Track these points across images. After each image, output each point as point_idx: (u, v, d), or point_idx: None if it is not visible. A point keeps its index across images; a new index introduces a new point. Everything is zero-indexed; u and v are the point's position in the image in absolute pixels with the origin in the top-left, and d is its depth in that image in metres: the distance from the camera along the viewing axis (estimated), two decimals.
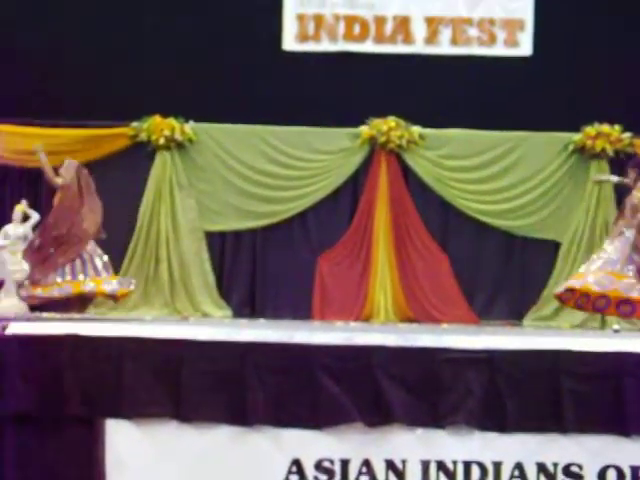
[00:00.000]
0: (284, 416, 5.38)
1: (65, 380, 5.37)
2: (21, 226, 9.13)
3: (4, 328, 5.56)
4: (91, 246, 8.49)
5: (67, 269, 8.34)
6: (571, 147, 9.57)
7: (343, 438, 5.39)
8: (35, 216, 9.19)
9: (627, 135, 9.52)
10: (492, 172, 9.64)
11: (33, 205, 9.28)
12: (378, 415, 5.36)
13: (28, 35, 9.71)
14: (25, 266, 9.06)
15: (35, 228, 9.18)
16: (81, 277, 8.29)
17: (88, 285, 8.27)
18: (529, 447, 5.33)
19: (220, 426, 5.38)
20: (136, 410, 5.37)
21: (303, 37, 9.76)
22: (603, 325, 9.03)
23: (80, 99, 9.56)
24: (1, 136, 9.46)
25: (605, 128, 9.51)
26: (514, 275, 9.73)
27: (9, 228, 9.11)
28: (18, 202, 9.21)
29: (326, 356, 5.38)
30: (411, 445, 5.41)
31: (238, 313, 9.47)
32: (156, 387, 5.37)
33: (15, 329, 5.57)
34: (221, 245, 9.72)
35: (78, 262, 8.35)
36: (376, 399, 5.34)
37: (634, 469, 5.29)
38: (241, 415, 5.35)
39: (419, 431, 5.41)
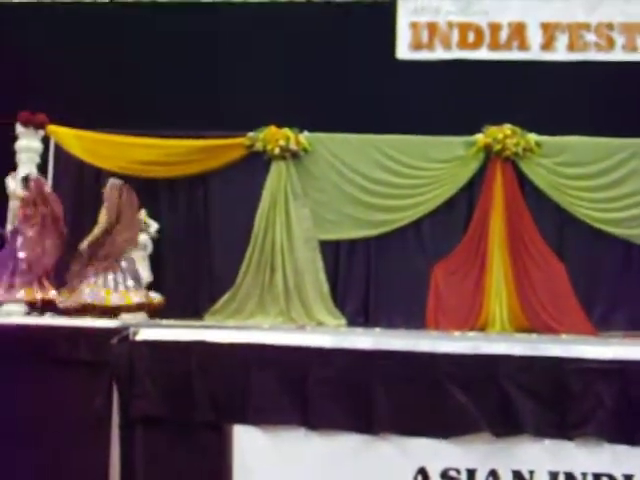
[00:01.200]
0: (410, 424, 5.37)
1: (194, 386, 5.47)
2: (141, 235, 9.33)
3: (135, 334, 5.70)
4: (128, 264, 8.65)
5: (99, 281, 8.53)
6: None
7: (470, 447, 5.35)
8: (154, 225, 9.38)
9: None
10: (611, 180, 9.42)
11: (152, 215, 9.48)
12: (506, 425, 5.31)
13: (145, 50, 9.91)
14: (144, 274, 9.27)
15: (154, 237, 9.39)
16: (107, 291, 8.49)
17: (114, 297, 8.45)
18: None
19: (346, 434, 5.40)
20: (263, 417, 5.43)
21: (417, 45, 9.74)
22: None
23: (196, 111, 9.69)
24: (122, 147, 9.64)
25: None
26: (633, 285, 9.49)
27: None
28: None
29: (452, 365, 5.35)
30: (539, 456, 5.34)
31: (352, 322, 9.43)
32: (283, 394, 5.42)
33: (145, 335, 5.70)
34: (335, 254, 9.71)
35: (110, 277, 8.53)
36: (503, 409, 5.30)
37: None
38: (367, 423, 5.36)
39: (547, 442, 5.34)
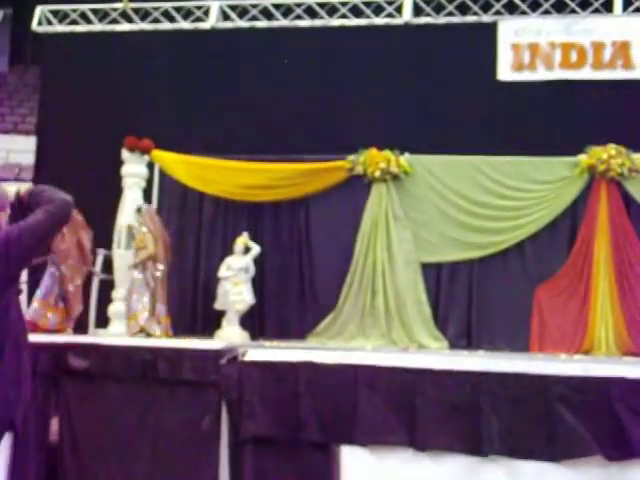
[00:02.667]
0: (519, 447, 5.31)
1: (302, 406, 5.50)
2: (243, 258, 9.45)
3: (243, 355, 5.76)
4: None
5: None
6: None
7: (581, 471, 5.27)
8: (256, 248, 9.48)
9: None
10: None
11: (254, 238, 9.60)
12: (619, 449, 5.21)
13: (249, 75, 10.08)
14: (246, 296, 9.38)
15: (256, 260, 9.50)
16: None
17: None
18: None
19: (454, 455, 5.36)
20: (371, 437, 5.43)
21: (518, 66, 9.67)
22: None
23: (299, 135, 9.80)
24: (226, 171, 9.79)
25: None
26: None
27: (231, 260, 9.44)
28: (240, 235, 9.55)
29: (563, 387, 5.28)
30: None
31: (454, 344, 9.37)
32: (391, 415, 5.42)
33: (253, 356, 5.75)
34: (437, 276, 9.67)
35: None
36: (616, 433, 5.20)
37: None
38: (476, 445, 5.32)
39: None
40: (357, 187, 9.75)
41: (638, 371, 5.33)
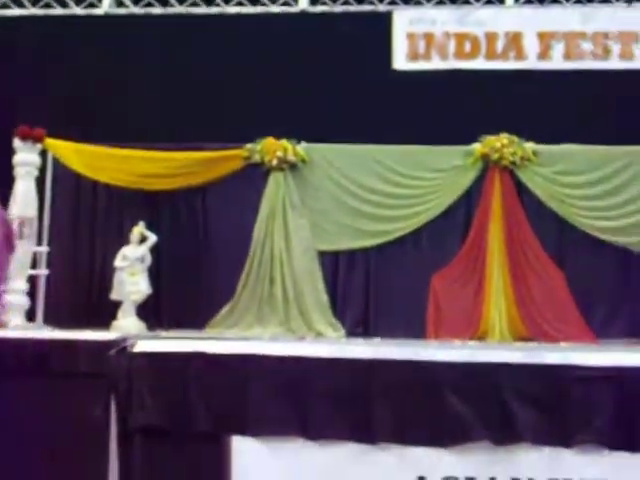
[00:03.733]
0: (409, 434, 5.36)
1: (192, 397, 5.47)
2: (139, 248, 9.35)
3: (132, 346, 5.70)
4: None
5: None
6: None
7: (469, 456, 5.35)
8: (153, 238, 9.39)
9: None
10: (609, 188, 9.42)
11: (151, 227, 9.49)
12: (505, 433, 5.31)
13: (144, 63, 9.95)
14: (142, 286, 9.29)
15: (152, 249, 9.40)
16: None
17: None
18: None
19: (345, 443, 5.39)
20: (262, 427, 5.42)
21: (413, 56, 9.75)
22: None
23: (195, 123, 9.72)
24: (120, 160, 9.65)
25: None
26: (632, 292, 9.49)
27: (127, 250, 9.33)
28: (136, 224, 9.44)
29: (452, 373, 5.35)
30: (538, 464, 5.34)
31: (352, 332, 9.42)
32: (282, 404, 5.42)
33: (143, 347, 5.69)
34: (334, 264, 9.71)
35: None
36: (503, 417, 5.29)
37: None
38: (366, 433, 5.36)
39: (547, 449, 5.33)
40: (254, 176, 9.72)
41: (524, 356, 5.43)
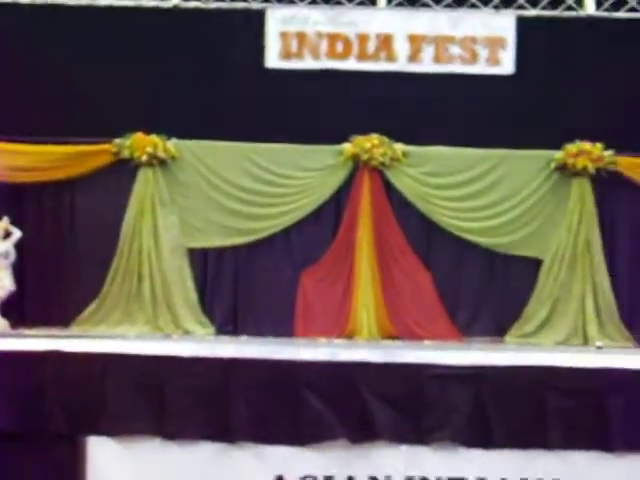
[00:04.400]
0: (267, 432, 5.40)
1: (47, 396, 5.38)
2: (3, 243, 9.12)
3: None
4: None
5: None
6: (553, 165, 9.59)
7: (327, 454, 5.41)
8: (17, 233, 9.18)
9: (608, 153, 9.54)
10: (475, 190, 9.65)
11: (16, 222, 9.27)
12: (362, 432, 5.38)
13: (12, 53, 9.70)
14: (6, 282, 9.06)
15: (17, 245, 9.18)
16: None
17: None
18: (514, 463, 5.34)
19: (203, 443, 5.38)
20: (119, 427, 5.37)
21: (286, 55, 9.76)
22: (586, 342, 9.10)
23: (63, 116, 9.52)
24: None
25: (586, 146, 9.52)
26: (496, 292, 9.73)
27: None
28: (0, 219, 9.21)
29: (310, 373, 5.40)
30: (395, 461, 5.44)
31: (221, 330, 9.39)
32: (139, 404, 5.38)
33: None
34: (203, 262, 9.67)
35: None
36: (360, 416, 5.36)
37: None
38: (224, 432, 5.36)
39: (403, 447, 5.42)
40: (123, 171, 9.59)
41: (383, 355, 5.50)
